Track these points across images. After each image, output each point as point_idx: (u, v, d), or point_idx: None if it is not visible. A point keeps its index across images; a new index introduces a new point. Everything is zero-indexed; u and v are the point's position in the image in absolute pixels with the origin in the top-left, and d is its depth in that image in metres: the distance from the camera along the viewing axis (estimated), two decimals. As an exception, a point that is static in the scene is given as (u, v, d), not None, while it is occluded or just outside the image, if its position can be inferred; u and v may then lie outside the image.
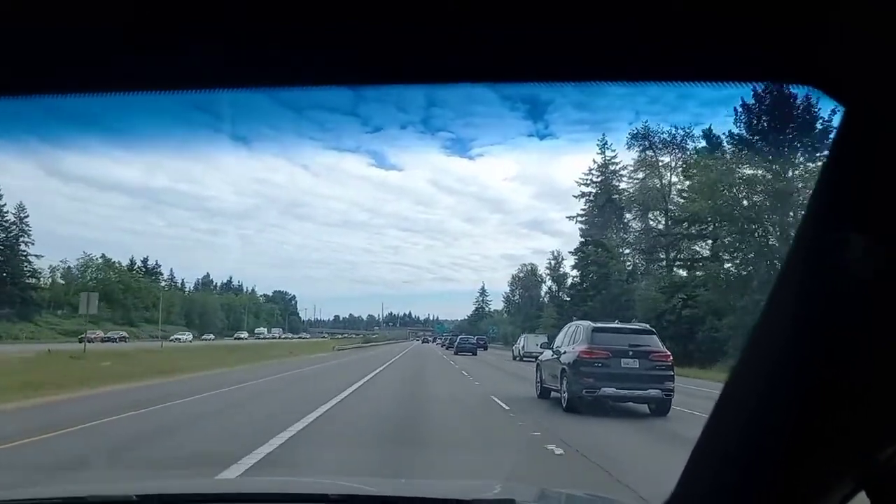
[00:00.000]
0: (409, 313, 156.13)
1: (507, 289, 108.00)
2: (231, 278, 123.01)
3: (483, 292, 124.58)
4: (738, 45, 0.67)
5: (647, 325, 13.94)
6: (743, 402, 0.97)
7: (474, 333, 75.78)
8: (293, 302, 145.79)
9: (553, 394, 13.97)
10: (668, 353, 12.64)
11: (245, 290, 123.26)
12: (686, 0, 0.63)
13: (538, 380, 15.13)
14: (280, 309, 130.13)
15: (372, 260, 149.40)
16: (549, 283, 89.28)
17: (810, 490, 0.91)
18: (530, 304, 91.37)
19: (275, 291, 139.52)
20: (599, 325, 13.44)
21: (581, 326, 13.36)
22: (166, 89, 0.79)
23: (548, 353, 14.64)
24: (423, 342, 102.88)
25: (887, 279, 0.70)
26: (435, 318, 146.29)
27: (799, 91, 0.71)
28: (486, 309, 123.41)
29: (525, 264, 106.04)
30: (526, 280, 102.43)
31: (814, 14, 0.62)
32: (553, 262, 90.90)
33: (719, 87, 0.70)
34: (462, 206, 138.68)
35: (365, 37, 0.70)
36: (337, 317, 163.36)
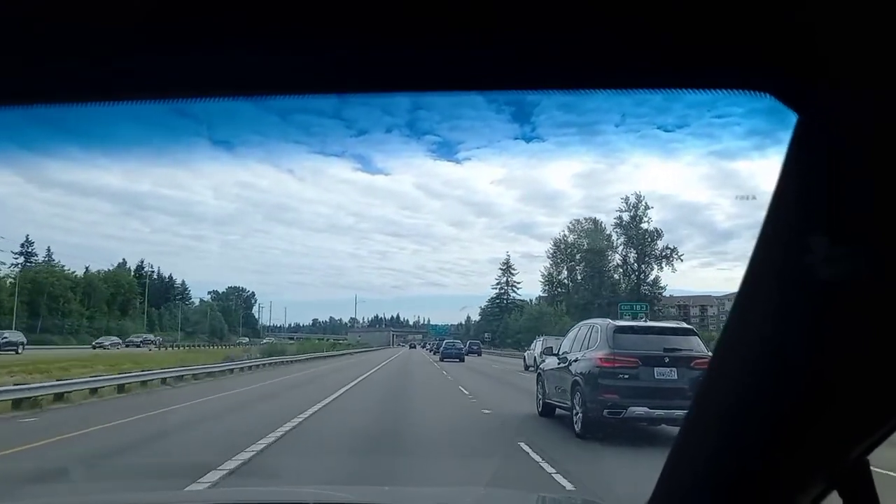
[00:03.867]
0: (397, 316, 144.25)
1: (547, 263, 68.92)
2: (142, 261, 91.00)
3: (508, 269, 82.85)
4: (700, 56, 0.69)
5: (685, 324, 10.88)
6: (716, 406, 0.98)
7: (489, 332, 64.45)
8: (252, 300, 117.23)
9: (559, 411, 10.94)
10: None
11: (157, 276, 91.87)
12: (652, 10, 0.65)
13: (539, 393, 12.07)
14: (220, 307, 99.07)
15: (358, 265, 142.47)
16: (621, 250, 59.02)
17: (783, 491, 0.92)
18: (600, 283, 57.89)
19: (229, 287, 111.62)
20: (623, 323, 10.38)
21: (598, 326, 10.17)
22: (151, 98, 0.79)
23: (552, 361, 11.56)
24: (410, 347, 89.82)
25: (853, 281, 0.70)
26: (426, 320, 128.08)
27: (755, 100, 0.70)
28: (513, 296, 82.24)
29: (580, 220, 68.74)
30: (582, 244, 63.88)
31: (774, 23, 0.64)
32: (629, 213, 57.12)
33: (695, 91, 0.73)
34: (449, 210, 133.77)
35: (353, 45, 0.70)
36: (315, 320, 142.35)
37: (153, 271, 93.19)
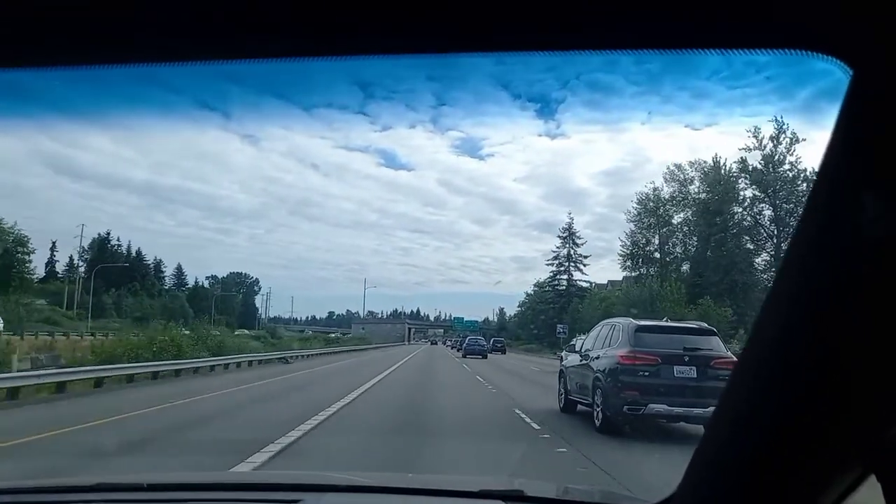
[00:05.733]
0: (417, 310, 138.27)
1: (628, 228, 47.40)
2: (108, 233, 73.74)
3: (570, 237, 58.80)
4: (743, 13, 0.65)
5: (705, 324, 10.86)
6: (746, 391, 0.93)
7: (564, 324, 47.07)
8: (255, 287, 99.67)
9: (581, 407, 11.01)
10: (734, 358, 9.58)
11: (125, 252, 73.61)
12: None
13: (561, 389, 12.16)
14: (189, 294, 78.17)
15: (381, 261, 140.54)
16: (749, 205, 38.68)
17: (816, 479, 0.87)
18: (729, 257, 36.57)
19: (230, 273, 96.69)
20: (645, 322, 10.40)
21: (620, 325, 10.26)
22: (169, 61, 0.75)
23: (574, 358, 11.65)
24: (431, 343, 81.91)
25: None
26: (448, 316, 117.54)
27: (804, 58, 0.66)
28: (577, 276, 57.98)
29: (681, 165, 45.02)
30: (686, 197, 42.70)
31: None
32: (761, 152, 35.48)
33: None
34: (472, 207, 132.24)
35: (369, 5, 0.67)
36: (332, 313, 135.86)
37: (118, 245, 75.79)
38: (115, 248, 76.34)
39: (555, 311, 56.22)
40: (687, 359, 9.08)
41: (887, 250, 0.67)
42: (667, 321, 11.21)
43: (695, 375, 8.96)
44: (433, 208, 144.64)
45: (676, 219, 45.51)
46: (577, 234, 62.13)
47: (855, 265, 0.71)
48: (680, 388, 8.84)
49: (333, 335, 73.40)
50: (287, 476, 2.56)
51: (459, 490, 1.89)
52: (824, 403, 0.80)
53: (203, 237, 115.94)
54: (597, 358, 10.12)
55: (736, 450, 0.97)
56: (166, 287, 79.72)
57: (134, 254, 77.08)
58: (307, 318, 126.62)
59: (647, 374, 9.07)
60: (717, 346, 9.40)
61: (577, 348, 11.82)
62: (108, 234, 76.24)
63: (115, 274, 66.16)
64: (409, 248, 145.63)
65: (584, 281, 59.69)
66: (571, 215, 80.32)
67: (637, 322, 10.23)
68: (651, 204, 46.30)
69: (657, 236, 45.42)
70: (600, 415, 9.51)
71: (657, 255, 45.54)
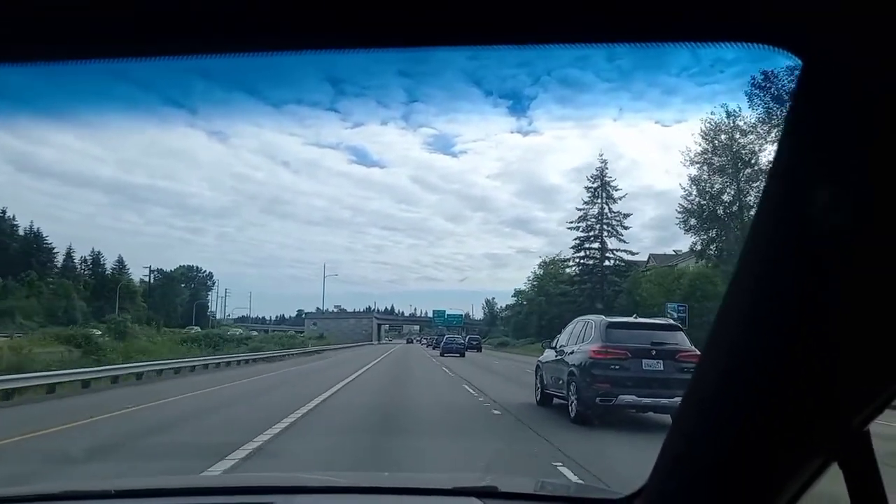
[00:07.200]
0: (392, 307, 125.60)
1: (692, 172, 31.54)
2: (4, 211, 58.48)
3: (603, 187, 40.54)
4: (694, 7, 0.64)
5: (671, 320, 11.00)
6: (711, 382, 0.92)
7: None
8: (208, 282, 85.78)
9: (556, 400, 11.08)
10: (698, 352, 9.71)
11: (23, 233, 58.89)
12: None
13: (538, 384, 12.22)
14: (70, 285, 55.11)
15: (354, 259, 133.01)
16: None
17: (781, 468, 0.86)
18: None
19: (179, 266, 79.52)
20: (615, 319, 10.54)
21: (592, 322, 10.43)
22: (135, 56, 0.70)
23: (550, 354, 11.74)
24: (407, 342, 78.86)
25: (853, 233, 0.65)
26: (423, 313, 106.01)
27: (767, 53, 0.65)
28: (611, 246, 41.03)
29: (773, 71, 25.43)
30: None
31: None
32: None
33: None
34: (445, 204, 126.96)
35: None
36: (300, 311, 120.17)
37: (15, 226, 59.45)
38: (12, 229, 60.42)
39: (584, 295, 37.95)
40: (654, 352, 9.27)
41: (838, 242, 0.67)
42: (636, 318, 11.35)
43: (661, 368, 9.14)
44: (406, 205, 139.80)
45: (765, 156, 28.88)
46: (613, 185, 39.01)
47: (809, 256, 0.70)
48: (648, 379, 9.04)
49: (239, 333, 51.57)
50: (258, 479, 2.49)
51: (433, 488, 1.83)
52: (787, 393, 0.80)
53: (173, 236, 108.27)
54: (571, 353, 10.26)
55: (702, 440, 0.96)
56: (109, 278, 63.83)
57: (32, 236, 61.00)
58: (276, 316, 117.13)
59: (617, 367, 9.23)
60: (681, 340, 9.60)
61: (553, 345, 11.88)
62: (4, 211, 59.85)
63: (8, 262, 53.40)
64: (382, 246, 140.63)
65: (626, 250, 38.44)
66: (603, 156, 55.02)
67: (608, 319, 10.40)
68: (723, 137, 30.08)
69: (735, 182, 29.17)
70: (574, 406, 9.58)
71: (735, 208, 29.40)
